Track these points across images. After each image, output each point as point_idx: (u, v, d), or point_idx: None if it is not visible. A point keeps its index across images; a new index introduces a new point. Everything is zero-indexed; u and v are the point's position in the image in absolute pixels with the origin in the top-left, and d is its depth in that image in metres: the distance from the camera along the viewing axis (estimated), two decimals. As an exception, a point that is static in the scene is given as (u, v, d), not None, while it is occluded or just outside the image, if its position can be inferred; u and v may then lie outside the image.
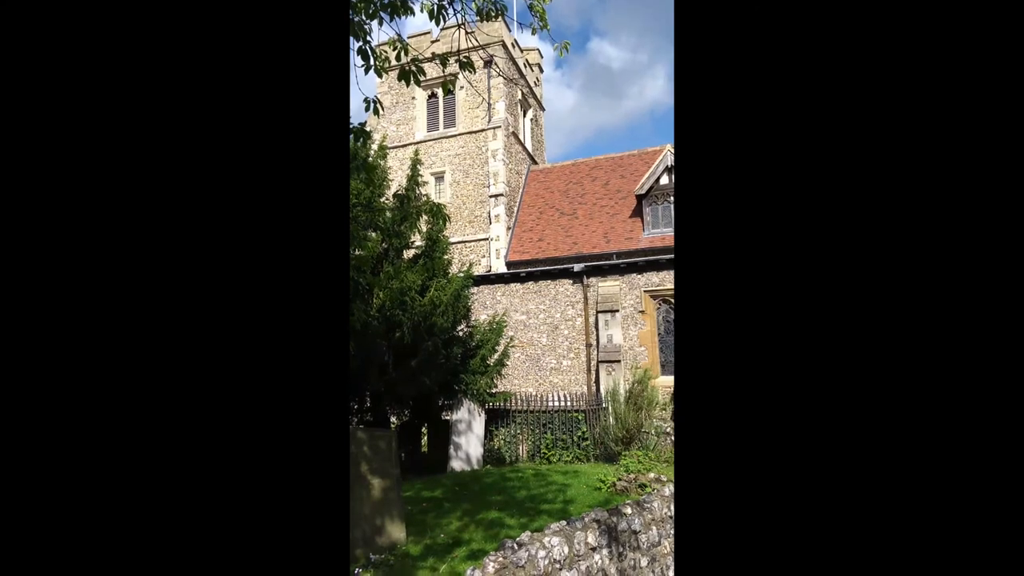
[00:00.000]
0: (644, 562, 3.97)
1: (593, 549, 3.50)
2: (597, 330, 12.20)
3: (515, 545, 3.07)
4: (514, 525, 4.97)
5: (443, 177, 15.80)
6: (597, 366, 12.01)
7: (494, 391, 9.77)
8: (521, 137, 16.90)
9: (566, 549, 3.26)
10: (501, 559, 2.86)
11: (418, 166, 8.70)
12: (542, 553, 3.09)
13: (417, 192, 8.55)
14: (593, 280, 12.56)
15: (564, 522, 3.59)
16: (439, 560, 4.11)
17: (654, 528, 4.16)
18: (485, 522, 5.16)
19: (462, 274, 9.42)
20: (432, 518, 5.41)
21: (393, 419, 9.46)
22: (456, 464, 8.99)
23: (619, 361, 11.73)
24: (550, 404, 10.10)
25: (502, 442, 9.90)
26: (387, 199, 8.52)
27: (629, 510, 4.05)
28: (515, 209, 15.69)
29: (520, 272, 13.41)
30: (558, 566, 3.17)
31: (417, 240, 9.21)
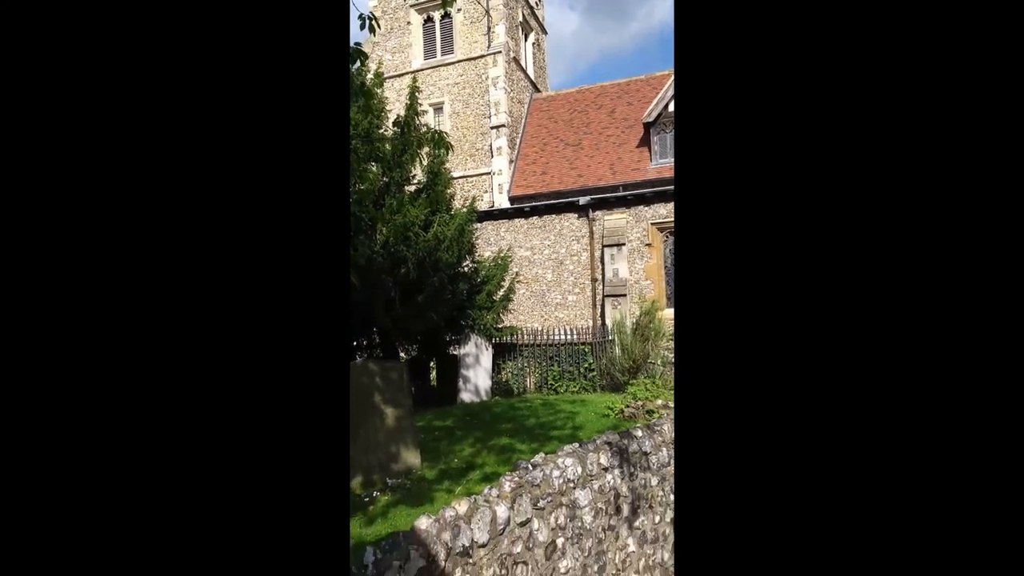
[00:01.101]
0: (655, 481, 4.09)
1: (605, 469, 3.58)
2: (603, 264, 12.12)
3: (530, 466, 3.13)
4: (525, 450, 5.10)
5: (442, 108, 15.21)
6: (603, 300, 12.03)
7: (500, 326, 9.83)
8: (523, 63, 16.11)
9: (579, 469, 3.33)
10: (517, 479, 2.92)
11: (416, 94, 8.31)
12: (556, 473, 3.15)
13: (417, 122, 8.21)
14: (599, 214, 12.35)
15: (576, 444, 3.65)
16: (454, 483, 4.23)
17: (664, 449, 4.25)
18: (497, 448, 5.30)
19: (465, 209, 9.24)
20: (445, 445, 5.56)
21: (401, 354, 9.59)
22: (465, 396, 9.20)
23: (625, 295, 11.73)
24: (556, 338, 10.20)
25: (509, 375, 10.08)
26: (386, 130, 8.21)
27: (640, 432, 4.12)
28: (517, 141, 15.21)
29: (524, 207, 13.18)
30: (571, 485, 3.25)
31: (418, 174, 8.96)
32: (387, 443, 4.72)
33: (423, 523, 2.30)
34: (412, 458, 4.79)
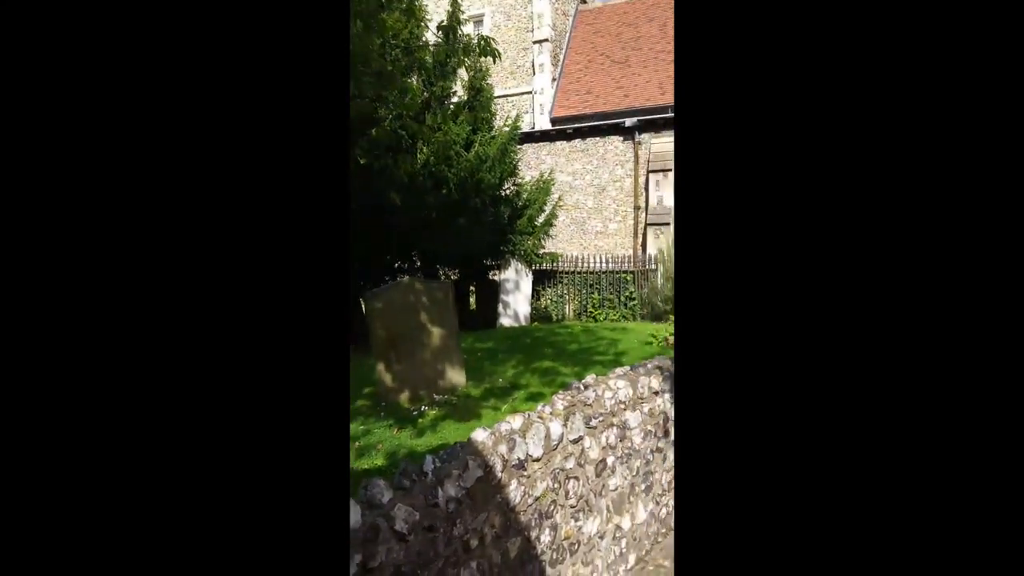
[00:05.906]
0: (703, 407, 4.02)
1: (656, 393, 3.51)
2: (647, 191, 11.62)
3: (582, 386, 3.07)
4: (568, 373, 5.09)
5: (482, 21, 14.34)
6: (645, 229, 11.64)
7: (541, 252, 9.68)
8: (569, -30, 14.85)
9: (630, 391, 3.26)
10: (570, 398, 2.87)
11: (459, 1, 7.75)
12: (608, 394, 3.09)
13: (459, 31, 7.72)
14: (645, 136, 11.69)
15: (628, 368, 3.57)
16: (500, 401, 4.27)
17: (714, 377, 4.15)
18: (540, 370, 5.31)
19: (508, 128, 8.84)
20: (488, 366, 5.61)
21: (441, 278, 9.62)
22: (505, 321, 9.24)
23: (668, 224, 11.28)
24: (597, 266, 10.01)
25: (549, 302, 10.04)
26: (425, 41, 7.76)
27: (691, 359, 4.01)
28: (561, 57, 14.30)
29: (566, 129, 12.58)
30: (622, 407, 3.20)
31: (458, 90, 8.54)
32: (433, 361, 4.77)
33: (480, 435, 2.28)
34: (457, 376, 4.85)
